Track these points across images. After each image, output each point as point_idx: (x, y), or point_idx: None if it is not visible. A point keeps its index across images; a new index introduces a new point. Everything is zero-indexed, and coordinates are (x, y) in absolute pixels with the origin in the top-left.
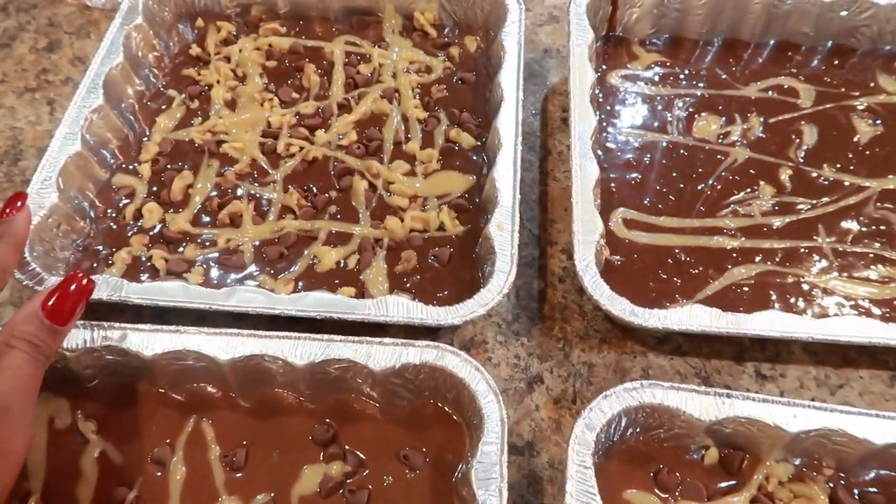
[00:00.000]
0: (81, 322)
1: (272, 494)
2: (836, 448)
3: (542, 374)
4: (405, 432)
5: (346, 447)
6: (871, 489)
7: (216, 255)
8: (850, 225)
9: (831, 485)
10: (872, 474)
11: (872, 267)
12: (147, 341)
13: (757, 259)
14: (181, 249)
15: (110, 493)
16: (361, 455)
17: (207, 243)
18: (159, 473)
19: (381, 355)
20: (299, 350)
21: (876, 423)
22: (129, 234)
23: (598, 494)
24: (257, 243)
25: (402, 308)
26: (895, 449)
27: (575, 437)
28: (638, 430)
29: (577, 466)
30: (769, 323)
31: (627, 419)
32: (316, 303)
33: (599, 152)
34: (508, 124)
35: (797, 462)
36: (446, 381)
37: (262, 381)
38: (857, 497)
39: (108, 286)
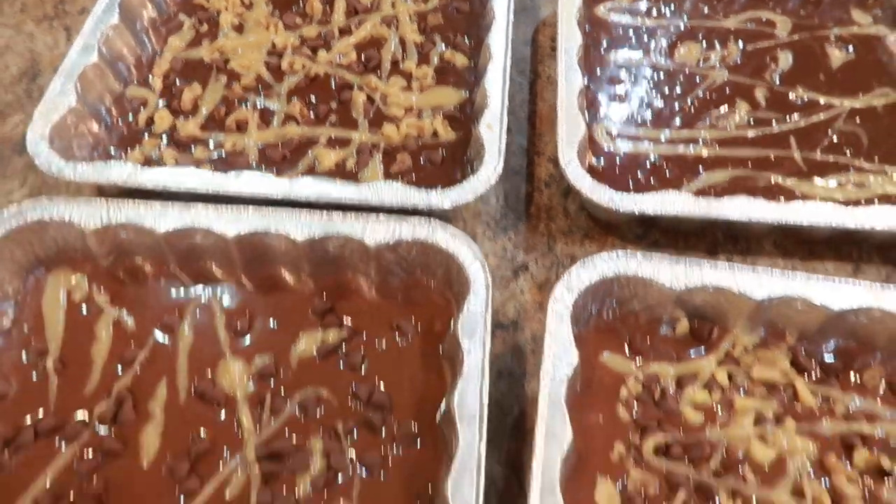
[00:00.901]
0: (97, 200)
1: (273, 356)
2: (798, 316)
3: (527, 263)
4: (398, 306)
5: (343, 318)
6: (829, 357)
7: (223, 155)
8: (821, 137)
9: (793, 353)
10: (831, 344)
11: (841, 173)
12: (159, 218)
13: (730, 166)
14: (190, 151)
15: (123, 354)
16: (356, 325)
17: (215, 146)
18: (168, 337)
19: (376, 231)
20: (301, 226)
21: (833, 288)
22: (141, 138)
23: (573, 345)
24: (261, 146)
25: (397, 193)
26: (851, 316)
27: (554, 298)
28: (613, 303)
29: (555, 323)
30: (741, 209)
31: (604, 291)
32: (315, 187)
33: (584, 72)
34: (499, 41)
35: (762, 333)
36: (436, 257)
37: (265, 259)
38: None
39: (122, 172)
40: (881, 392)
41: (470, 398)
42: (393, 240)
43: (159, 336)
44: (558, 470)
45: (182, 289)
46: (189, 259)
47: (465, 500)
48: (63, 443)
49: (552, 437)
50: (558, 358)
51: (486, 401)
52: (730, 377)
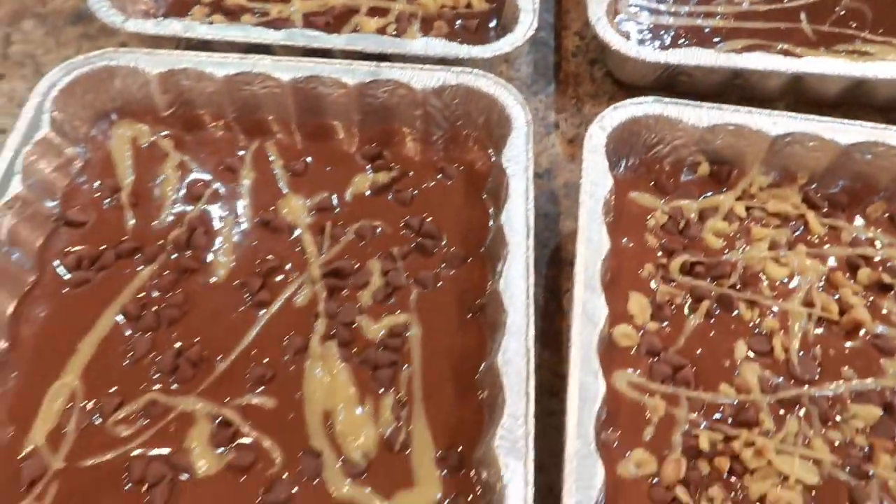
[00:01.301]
0: (160, 51)
1: (328, 193)
2: (808, 155)
3: (558, 122)
4: (441, 153)
5: (390, 162)
6: (837, 196)
7: (269, 21)
8: (829, 12)
9: (804, 191)
10: (839, 184)
11: (848, 43)
12: (219, 66)
13: (744, 37)
14: (237, 19)
15: (190, 191)
16: (404, 168)
17: (260, 14)
18: (231, 178)
19: (423, 77)
20: (352, 73)
21: (842, 128)
22: (190, 6)
23: (608, 173)
24: (305, 14)
25: (440, 45)
26: (857, 153)
27: (589, 135)
28: (641, 149)
29: (591, 154)
30: (758, 61)
31: (633, 132)
32: (364, 41)
33: None
34: None
35: (776, 175)
36: (478, 104)
37: (317, 109)
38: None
39: (180, 27)
40: (883, 224)
41: (516, 219)
42: (438, 84)
43: (222, 177)
44: (598, 269)
45: (241, 136)
46: (246, 110)
47: (516, 303)
48: (142, 263)
49: (591, 243)
50: (595, 184)
51: (532, 220)
52: (747, 210)
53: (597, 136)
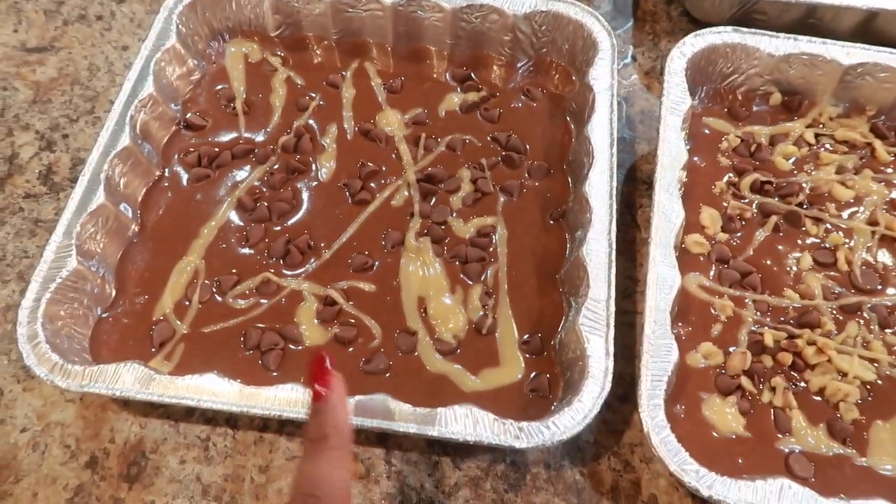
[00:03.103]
0: None
1: (423, 109)
2: (878, 87)
3: (635, 55)
4: (527, 77)
5: (479, 84)
6: None
7: None
8: None
9: (872, 122)
10: None
11: None
12: None
13: None
14: None
15: (297, 102)
16: (491, 90)
17: None
18: (333, 93)
19: (515, 3)
20: None
21: None
22: None
23: (687, 93)
24: None
25: None
26: None
27: (671, 58)
28: (716, 78)
29: (671, 77)
30: None
31: (710, 61)
32: None
33: None
34: None
35: (845, 106)
36: (565, 30)
37: (414, 34)
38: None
39: None
40: None
41: (601, 130)
42: (529, 10)
43: (326, 91)
44: (676, 176)
45: (343, 57)
46: (348, 32)
47: (600, 201)
48: (255, 163)
49: (670, 155)
50: (675, 102)
51: (615, 132)
52: (816, 137)
53: (677, 59)
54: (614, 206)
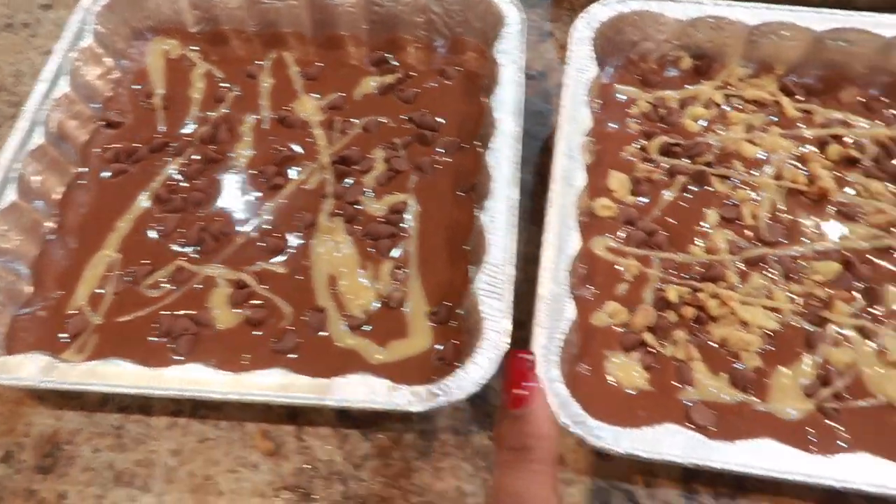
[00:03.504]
0: None
1: (340, 94)
2: (784, 45)
3: (552, 31)
4: (443, 58)
5: (395, 66)
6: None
7: None
8: None
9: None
10: (815, 74)
11: None
12: None
13: None
14: None
15: (215, 94)
16: (407, 71)
17: None
18: (251, 84)
19: None
20: None
21: (817, 17)
22: None
23: (593, 60)
24: None
25: None
26: (831, 41)
27: (575, 27)
28: (628, 45)
29: (576, 45)
30: None
31: (616, 29)
32: None
33: None
34: None
35: (754, 67)
36: (476, 9)
37: (330, 21)
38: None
39: None
40: (856, 108)
41: (507, 104)
42: None
43: (244, 83)
44: (579, 142)
45: (261, 48)
46: (266, 24)
47: (503, 170)
48: (172, 156)
49: (573, 121)
50: (579, 70)
51: (522, 103)
52: (725, 98)
53: (581, 28)
54: (517, 174)
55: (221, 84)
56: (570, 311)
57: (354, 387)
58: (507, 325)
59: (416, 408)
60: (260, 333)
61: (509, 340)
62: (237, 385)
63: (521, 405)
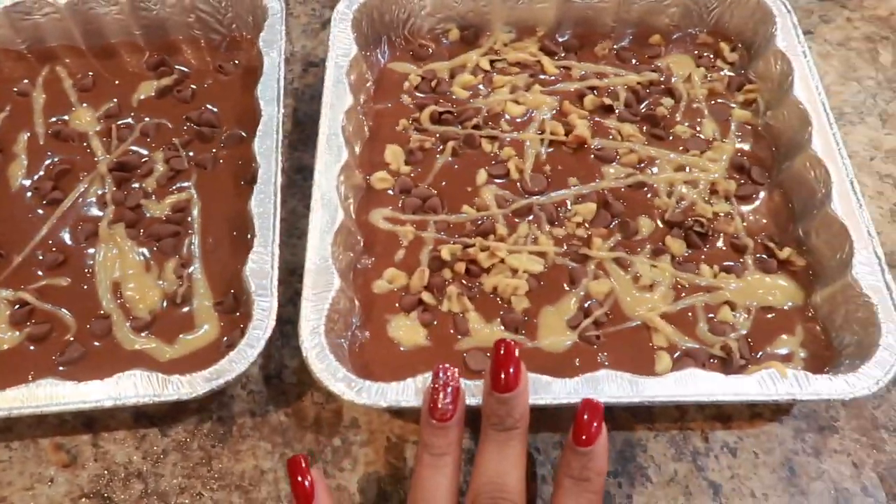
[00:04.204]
0: None
1: (116, 100)
2: (538, 7)
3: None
4: (221, 55)
5: (174, 68)
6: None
7: None
8: None
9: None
10: (570, 32)
11: None
12: None
13: None
14: None
15: None
16: (186, 69)
17: None
18: (24, 102)
19: None
20: None
21: None
22: None
23: (354, 43)
24: None
25: None
26: None
27: (337, 11)
28: (397, 24)
29: (338, 30)
30: None
31: (382, 11)
32: None
33: None
34: None
35: (516, 32)
36: (243, 3)
37: (100, 31)
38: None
39: None
40: (610, 59)
41: (268, 91)
42: None
43: (15, 101)
44: (340, 121)
45: (36, 64)
46: (35, 40)
47: (266, 156)
48: None
49: (335, 102)
50: (342, 56)
51: (281, 90)
52: (491, 63)
53: (343, 9)
54: (279, 159)
55: None
56: (336, 283)
57: (124, 385)
58: (274, 304)
59: (187, 396)
60: (44, 347)
61: (274, 318)
62: (13, 402)
63: (590, 443)
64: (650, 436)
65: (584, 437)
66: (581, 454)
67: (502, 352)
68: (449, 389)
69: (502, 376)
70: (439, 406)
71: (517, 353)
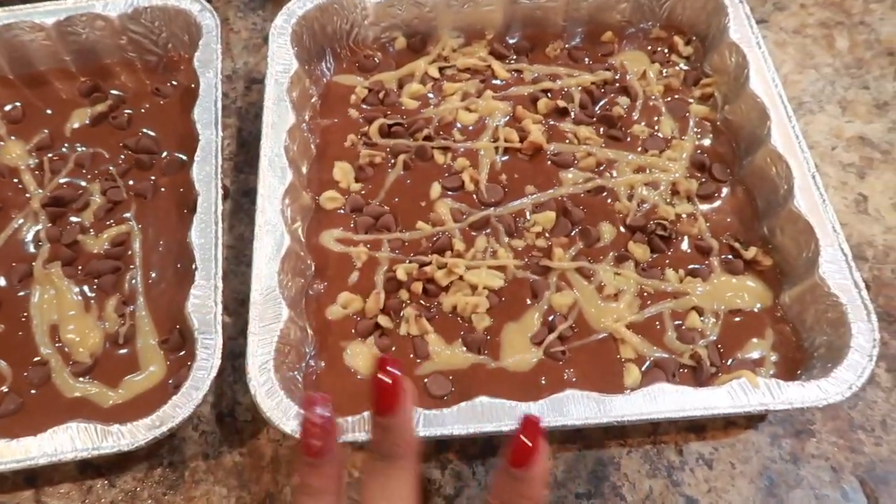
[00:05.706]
0: None
1: (48, 131)
2: (484, 11)
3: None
4: (157, 75)
5: (108, 93)
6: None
7: None
8: None
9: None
10: (520, 34)
11: None
12: None
13: None
14: None
15: None
16: (122, 94)
17: None
18: None
19: (116, 5)
20: (46, 13)
21: None
22: None
23: (294, 57)
24: None
25: None
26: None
27: (275, 26)
28: (340, 35)
29: (277, 45)
30: None
31: (323, 24)
32: None
33: None
34: None
35: (464, 37)
36: (176, 22)
37: (28, 59)
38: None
39: None
40: (562, 59)
41: (205, 114)
42: (131, 9)
43: None
44: (282, 141)
45: None
46: None
47: (206, 184)
48: None
49: (276, 121)
50: (282, 72)
51: (219, 112)
52: (440, 71)
53: (281, 24)
54: (218, 187)
55: None
56: (284, 313)
57: (60, 440)
58: (218, 340)
59: (128, 447)
60: None
61: (220, 357)
62: None
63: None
64: (623, 452)
65: (520, 458)
66: (516, 478)
67: (380, 370)
68: (320, 421)
69: (380, 395)
70: (311, 441)
71: (398, 371)
